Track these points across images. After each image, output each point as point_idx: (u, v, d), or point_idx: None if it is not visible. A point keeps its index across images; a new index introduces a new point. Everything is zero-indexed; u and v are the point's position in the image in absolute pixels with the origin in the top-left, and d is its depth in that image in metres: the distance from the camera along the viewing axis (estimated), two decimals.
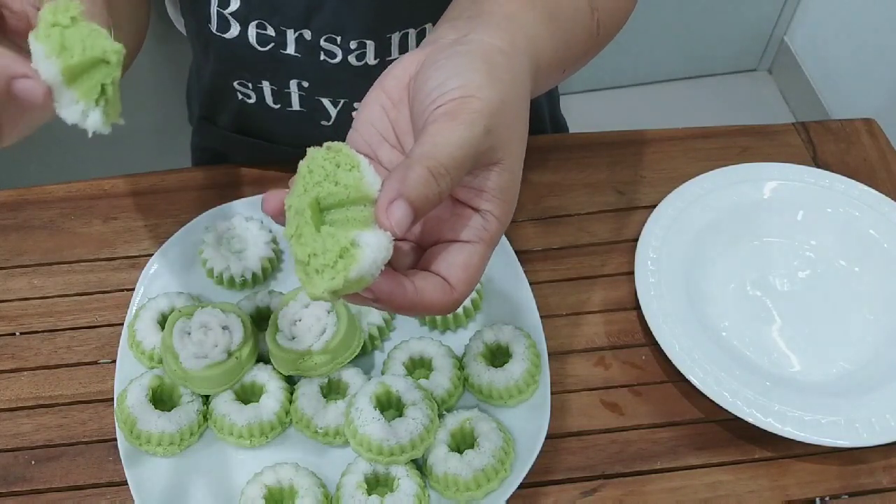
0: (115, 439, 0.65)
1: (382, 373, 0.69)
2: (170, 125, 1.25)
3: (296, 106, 0.80)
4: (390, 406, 0.64)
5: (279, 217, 0.44)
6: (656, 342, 0.70)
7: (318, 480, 0.63)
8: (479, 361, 0.67)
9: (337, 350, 0.64)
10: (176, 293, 0.72)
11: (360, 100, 0.49)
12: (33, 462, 0.67)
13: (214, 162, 0.94)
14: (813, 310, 0.75)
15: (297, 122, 0.81)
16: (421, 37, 0.74)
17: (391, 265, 0.42)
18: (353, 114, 0.50)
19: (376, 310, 0.70)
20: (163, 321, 0.70)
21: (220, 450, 0.66)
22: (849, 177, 0.80)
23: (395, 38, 0.73)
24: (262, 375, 0.67)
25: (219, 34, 0.75)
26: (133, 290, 0.73)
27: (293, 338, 0.65)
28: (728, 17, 2.08)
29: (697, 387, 0.67)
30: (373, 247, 0.40)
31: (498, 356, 0.69)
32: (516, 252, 0.74)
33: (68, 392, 0.70)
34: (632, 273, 0.74)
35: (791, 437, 0.65)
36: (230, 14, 0.73)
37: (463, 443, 0.64)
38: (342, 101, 0.79)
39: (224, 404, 0.65)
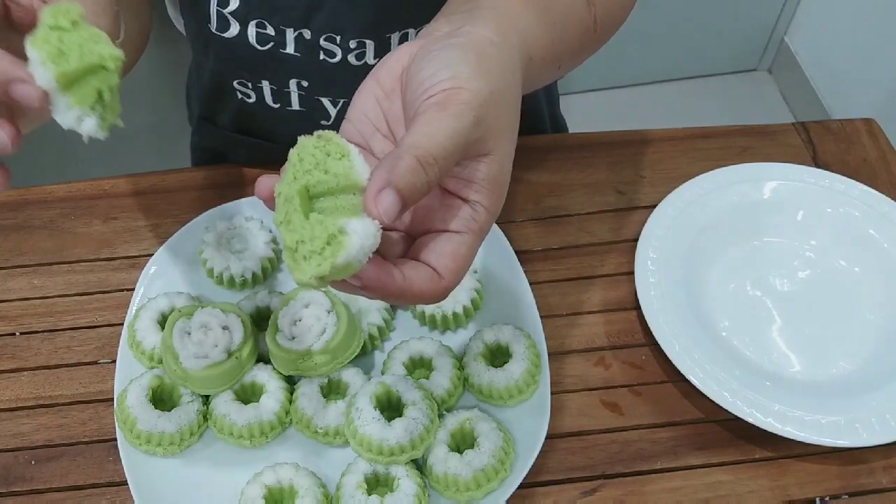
0: (115, 439, 0.65)
1: (382, 373, 0.69)
2: (170, 125, 1.25)
3: (295, 105, 0.80)
4: (390, 406, 0.64)
5: (270, 201, 0.44)
6: (656, 342, 0.70)
7: (318, 480, 0.63)
8: (479, 361, 0.67)
9: (337, 350, 0.64)
10: (176, 293, 0.72)
11: None
12: (33, 462, 0.67)
13: (214, 162, 0.94)
14: (813, 310, 0.75)
15: (297, 122, 0.81)
16: None
17: (381, 253, 0.43)
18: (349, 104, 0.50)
19: (376, 310, 0.71)
20: (163, 321, 0.70)
21: (220, 450, 0.66)
22: (849, 177, 0.80)
23: (395, 37, 0.73)
24: (262, 375, 0.67)
25: (218, 33, 0.75)
26: (133, 290, 0.73)
27: (293, 338, 0.65)
28: (728, 17, 2.08)
29: (697, 387, 0.67)
30: (360, 234, 0.40)
31: (498, 356, 0.69)
32: (516, 252, 0.74)
33: (68, 392, 0.70)
34: (632, 273, 0.74)
35: (791, 437, 0.65)
36: (230, 13, 0.73)
37: (463, 443, 0.64)
38: (342, 100, 0.79)
39: (224, 404, 0.65)
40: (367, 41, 0.73)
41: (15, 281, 0.77)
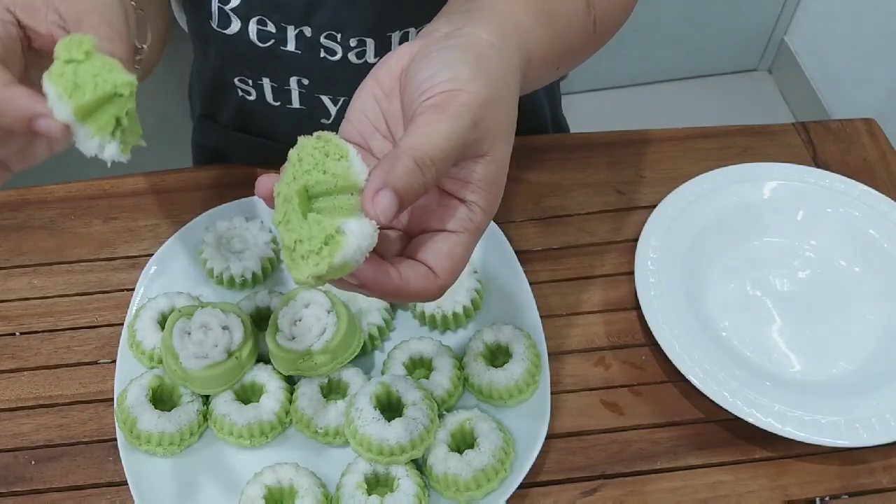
0: (115, 439, 0.65)
1: (382, 373, 0.69)
2: (170, 125, 1.24)
3: (296, 104, 0.80)
4: (390, 406, 0.64)
5: (270, 200, 0.45)
6: (656, 342, 0.70)
7: (318, 480, 0.63)
8: (479, 361, 0.67)
9: (337, 350, 0.64)
10: (176, 293, 0.72)
11: None
12: (33, 462, 0.67)
13: (215, 160, 0.94)
14: (813, 310, 0.75)
15: (297, 120, 0.81)
16: None
17: (378, 252, 0.44)
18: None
19: (376, 310, 0.71)
20: (163, 321, 0.70)
21: (220, 450, 0.66)
22: (849, 177, 0.80)
23: (396, 36, 0.73)
24: (262, 375, 0.67)
25: (219, 30, 0.75)
26: (133, 290, 0.74)
27: (293, 338, 0.65)
28: (728, 17, 2.08)
29: (697, 387, 0.67)
30: (357, 234, 0.41)
31: (498, 356, 0.69)
32: (516, 252, 0.74)
33: (68, 392, 0.70)
34: (631, 273, 0.74)
35: (791, 437, 0.65)
36: (231, 10, 0.73)
37: (463, 443, 0.64)
38: (342, 98, 0.79)
39: (224, 404, 0.65)
40: (368, 40, 0.73)
41: (15, 281, 0.77)
